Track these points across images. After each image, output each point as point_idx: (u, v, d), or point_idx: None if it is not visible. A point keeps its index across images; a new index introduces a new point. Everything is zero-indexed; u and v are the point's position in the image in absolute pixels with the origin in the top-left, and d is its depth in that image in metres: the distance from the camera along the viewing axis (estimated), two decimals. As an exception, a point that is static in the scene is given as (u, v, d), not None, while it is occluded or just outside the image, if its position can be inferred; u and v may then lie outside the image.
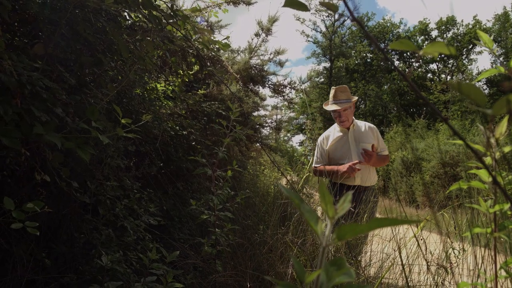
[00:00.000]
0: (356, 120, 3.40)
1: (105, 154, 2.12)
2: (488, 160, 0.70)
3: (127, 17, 2.21)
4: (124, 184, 2.36)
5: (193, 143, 3.48)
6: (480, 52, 33.17)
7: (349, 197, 0.38)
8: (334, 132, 3.42)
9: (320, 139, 3.49)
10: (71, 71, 1.85)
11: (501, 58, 29.04)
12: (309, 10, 0.45)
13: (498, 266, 0.65)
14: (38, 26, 1.64)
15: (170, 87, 3.28)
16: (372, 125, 3.34)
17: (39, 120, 1.29)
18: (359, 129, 3.31)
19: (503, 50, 30.07)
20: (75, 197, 1.85)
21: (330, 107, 3.31)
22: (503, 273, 0.67)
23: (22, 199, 1.67)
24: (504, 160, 0.65)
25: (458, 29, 34.16)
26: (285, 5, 0.47)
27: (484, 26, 32.65)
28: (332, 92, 3.35)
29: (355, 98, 3.34)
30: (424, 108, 28.21)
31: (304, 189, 4.22)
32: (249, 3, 4.21)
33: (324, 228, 0.37)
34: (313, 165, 3.49)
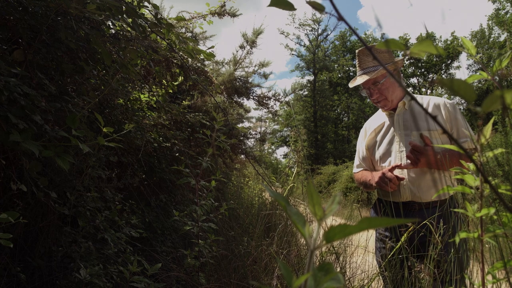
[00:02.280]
0: (415, 96, 1.92)
1: (85, 164, 2.07)
2: (472, 165, 0.71)
3: (111, 26, 2.19)
4: (105, 195, 2.30)
5: (177, 154, 3.44)
6: (458, 67, 34.14)
7: (337, 198, 0.37)
8: (378, 117, 2.26)
9: (362, 130, 2.36)
10: (51, 78, 1.81)
11: (478, 73, 29.89)
12: (295, 9, 0.44)
13: (486, 271, 0.65)
14: (18, 32, 1.60)
15: (154, 98, 3.25)
16: (443, 100, 2.03)
17: (16, 127, 1.25)
18: (415, 108, 2.09)
19: (479, 66, 31.01)
20: (54, 208, 1.79)
21: (355, 82, 2.16)
22: (490, 278, 0.67)
23: (-3, 210, 1.61)
24: (488, 164, 0.65)
25: (437, 44, 35.14)
26: (270, 5, 0.46)
27: (461, 42, 33.65)
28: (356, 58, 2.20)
29: (399, 59, 2.12)
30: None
31: (289, 200, 4.20)
32: (234, 15, 4.23)
33: (311, 231, 0.36)
34: (353, 171, 2.41)
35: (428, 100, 2.08)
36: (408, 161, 1.95)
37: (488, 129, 0.58)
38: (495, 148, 0.64)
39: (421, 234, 1.83)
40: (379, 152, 2.14)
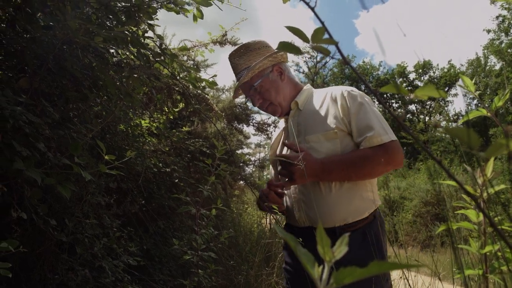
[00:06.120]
0: (312, 90, 1.77)
1: (85, 191, 2.06)
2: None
3: (114, 54, 2.23)
4: (103, 221, 2.28)
5: (176, 180, 3.43)
6: (455, 95, 34.58)
7: (345, 239, 0.37)
8: (280, 126, 1.88)
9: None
10: (54, 105, 1.83)
11: (475, 101, 30.29)
12: (302, 53, 0.46)
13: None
14: (24, 60, 1.63)
15: (154, 124, 3.28)
16: (340, 90, 1.62)
17: (20, 155, 1.25)
18: (310, 106, 1.67)
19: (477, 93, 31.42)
20: (52, 236, 1.77)
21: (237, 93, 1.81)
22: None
23: (-5, 237, 1.59)
24: (493, 200, 0.66)
25: (434, 72, 35.75)
26: (278, 48, 0.48)
27: (458, 70, 34.29)
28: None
29: (273, 56, 1.66)
30: (405, 148, 28.89)
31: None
32: (235, 44, 4.31)
33: (320, 272, 0.36)
34: None
35: (325, 94, 1.66)
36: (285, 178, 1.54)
37: (489, 167, 0.59)
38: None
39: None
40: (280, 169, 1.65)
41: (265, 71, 1.67)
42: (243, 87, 1.70)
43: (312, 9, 0.48)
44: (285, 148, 1.71)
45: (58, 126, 1.74)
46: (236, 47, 1.72)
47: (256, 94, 1.68)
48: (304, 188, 1.58)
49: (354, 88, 1.62)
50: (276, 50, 1.70)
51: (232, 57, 1.73)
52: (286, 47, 0.47)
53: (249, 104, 1.66)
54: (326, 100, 1.63)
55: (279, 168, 1.59)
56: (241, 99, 5.41)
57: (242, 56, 1.69)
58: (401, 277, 1.96)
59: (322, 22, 0.45)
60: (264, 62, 1.64)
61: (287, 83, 1.72)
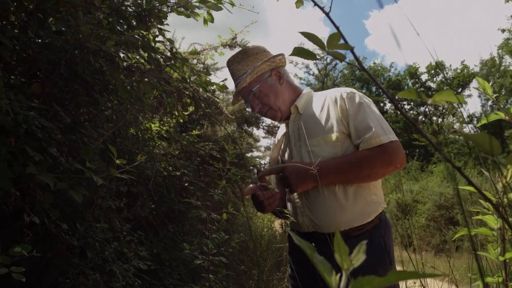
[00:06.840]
0: (312, 93, 1.78)
1: (96, 195, 2.07)
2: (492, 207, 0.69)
3: (125, 58, 2.24)
4: (114, 225, 2.29)
5: (186, 184, 3.43)
6: (469, 95, 34.10)
7: (362, 247, 0.36)
8: (281, 129, 1.86)
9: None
10: (66, 110, 1.84)
11: (490, 101, 29.84)
12: (317, 59, 0.45)
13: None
14: (36, 66, 1.64)
15: (164, 128, 3.29)
16: (339, 92, 1.62)
17: (33, 159, 1.26)
18: (310, 110, 1.66)
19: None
20: (63, 240, 1.78)
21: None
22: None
23: (6, 241, 1.60)
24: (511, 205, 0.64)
25: (447, 73, 35.30)
26: (292, 54, 0.47)
27: (472, 71, 33.81)
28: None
29: (277, 55, 1.68)
30: (417, 150, 28.60)
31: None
32: (244, 47, 4.31)
33: (338, 280, 0.35)
34: None
35: (325, 97, 1.66)
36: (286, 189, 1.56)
37: (509, 171, 0.57)
38: None
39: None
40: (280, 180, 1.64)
41: (264, 75, 1.67)
42: (242, 92, 1.70)
43: (327, 14, 0.47)
44: (286, 155, 1.72)
45: (69, 130, 1.75)
46: (235, 53, 1.73)
47: (255, 99, 1.68)
48: (307, 193, 1.57)
49: (353, 90, 1.62)
50: (274, 55, 1.70)
51: (230, 63, 1.73)
52: (301, 52, 0.46)
53: (249, 109, 1.68)
54: (326, 103, 1.62)
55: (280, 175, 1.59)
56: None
57: (240, 61, 1.69)
58: (415, 282, 1.92)
59: (337, 27, 0.44)
60: (263, 66, 1.63)
61: (286, 87, 1.72)
